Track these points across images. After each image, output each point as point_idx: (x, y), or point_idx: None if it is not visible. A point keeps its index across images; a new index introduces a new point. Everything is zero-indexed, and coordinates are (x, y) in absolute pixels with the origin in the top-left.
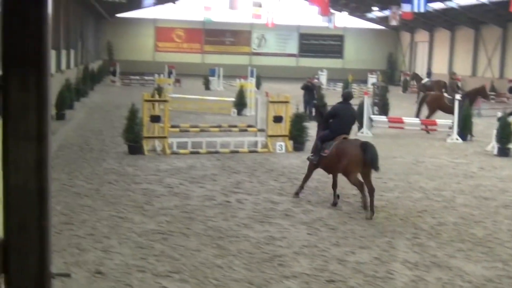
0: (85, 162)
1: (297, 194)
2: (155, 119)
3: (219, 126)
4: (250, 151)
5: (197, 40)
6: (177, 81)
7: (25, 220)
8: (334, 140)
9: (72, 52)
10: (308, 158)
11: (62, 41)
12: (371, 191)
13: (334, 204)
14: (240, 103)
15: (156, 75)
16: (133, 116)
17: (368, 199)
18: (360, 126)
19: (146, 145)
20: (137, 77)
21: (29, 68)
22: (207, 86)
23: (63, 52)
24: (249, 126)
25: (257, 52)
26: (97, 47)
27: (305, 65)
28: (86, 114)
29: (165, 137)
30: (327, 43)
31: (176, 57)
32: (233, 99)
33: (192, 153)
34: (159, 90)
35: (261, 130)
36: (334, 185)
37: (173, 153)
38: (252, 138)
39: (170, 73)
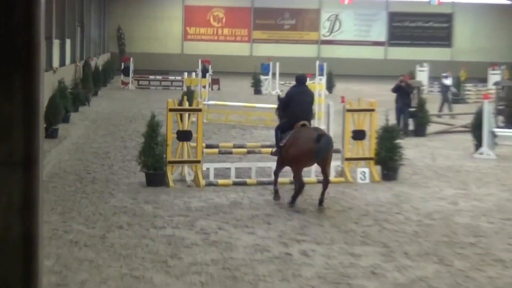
0: (85, 197)
1: (277, 198)
2: (184, 136)
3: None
4: (320, 181)
5: (243, 24)
6: (215, 81)
7: (5, 280)
8: (293, 129)
9: (67, 42)
10: (271, 153)
11: (54, 28)
12: (326, 183)
13: (276, 197)
14: None
15: (185, 74)
16: (152, 132)
17: (297, 195)
18: (478, 144)
19: (171, 173)
20: (159, 77)
21: (14, 66)
22: (257, 88)
23: (56, 43)
24: None
25: (328, 40)
26: (102, 35)
27: (397, 57)
28: (86, 130)
29: (198, 162)
30: (428, 25)
31: (213, 48)
32: None
33: (236, 184)
34: (190, 95)
35: (335, 151)
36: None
37: (210, 184)
38: None
39: (205, 70)
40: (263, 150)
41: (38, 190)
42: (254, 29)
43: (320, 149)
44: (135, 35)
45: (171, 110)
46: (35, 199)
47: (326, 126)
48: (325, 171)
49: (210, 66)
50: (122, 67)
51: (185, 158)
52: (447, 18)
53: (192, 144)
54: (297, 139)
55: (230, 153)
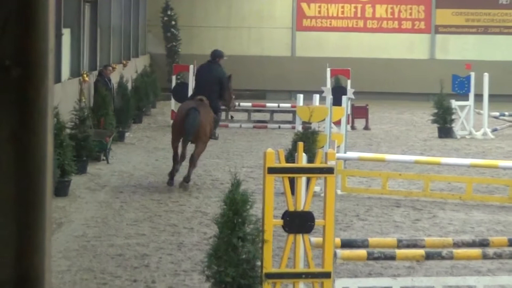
0: None
1: (170, 181)
2: (299, 223)
3: (483, 244)
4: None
5: None
6: (360, 112)
7: None
8: None
9: (66, 35)
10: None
11: None
12: (192, 160)
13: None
14: None
15: (300, 98)
16: (235, 216)
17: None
18: None
19: None
20: (246, 104)
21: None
22: (444, 126)
23: None
24: None
25: None
26: (135, 21)
27: None
28: (102, 210)
29: (327, 276)
30: None
31: (355, 45)
32: None
33: None
34: (309, 140)
35: None
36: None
37: None
38: None
39: (339, 90)
40: (457, 252)
41: None
42: (438, 7)
43: (187, 126)
44: (198, 21)
45: (271, 170)
46: None
47: None
48: (184, 147)
49: (349, 82)
50: (174, 83)
51: (300, 267)
52: None
53: (315, 239)
54: (177, 113)
55: (392, 258)
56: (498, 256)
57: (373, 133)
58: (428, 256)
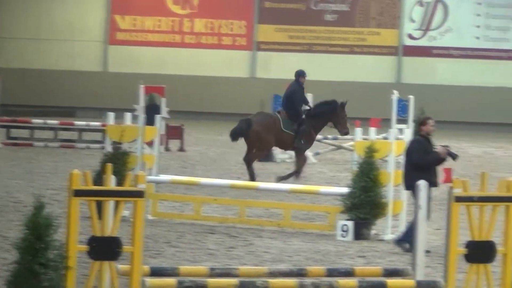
0: None
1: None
2: (106, 249)
3: (300, 274)
4: None
5: (236, 11)
6: (174, 133)
7: None
8: None
9: None
10: None
11: None
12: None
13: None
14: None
15: (110, 116)
16: (37, 241)
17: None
18: None
19: None
20: (53, 122)
21: None
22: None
23: None
24: None
25: (418, 47)
26: None
27: None
28: None
29: None
30: None
31: (171, 62)
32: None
33: None
34: (119, 161)
35: None
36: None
37: None
38: None
39: (152, 109)
40: (273, 282)
41: None
42: (260, 22)
43: (231, 132)
44: (3, 32)
45: (77, 193)
46: None
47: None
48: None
49: (164, 101)
50: None
51: None
52: None
53: (122, 266)
54: None
55: (203, 287)
56: (316, 286)
57: (188, 155)
58: (242, 286)
